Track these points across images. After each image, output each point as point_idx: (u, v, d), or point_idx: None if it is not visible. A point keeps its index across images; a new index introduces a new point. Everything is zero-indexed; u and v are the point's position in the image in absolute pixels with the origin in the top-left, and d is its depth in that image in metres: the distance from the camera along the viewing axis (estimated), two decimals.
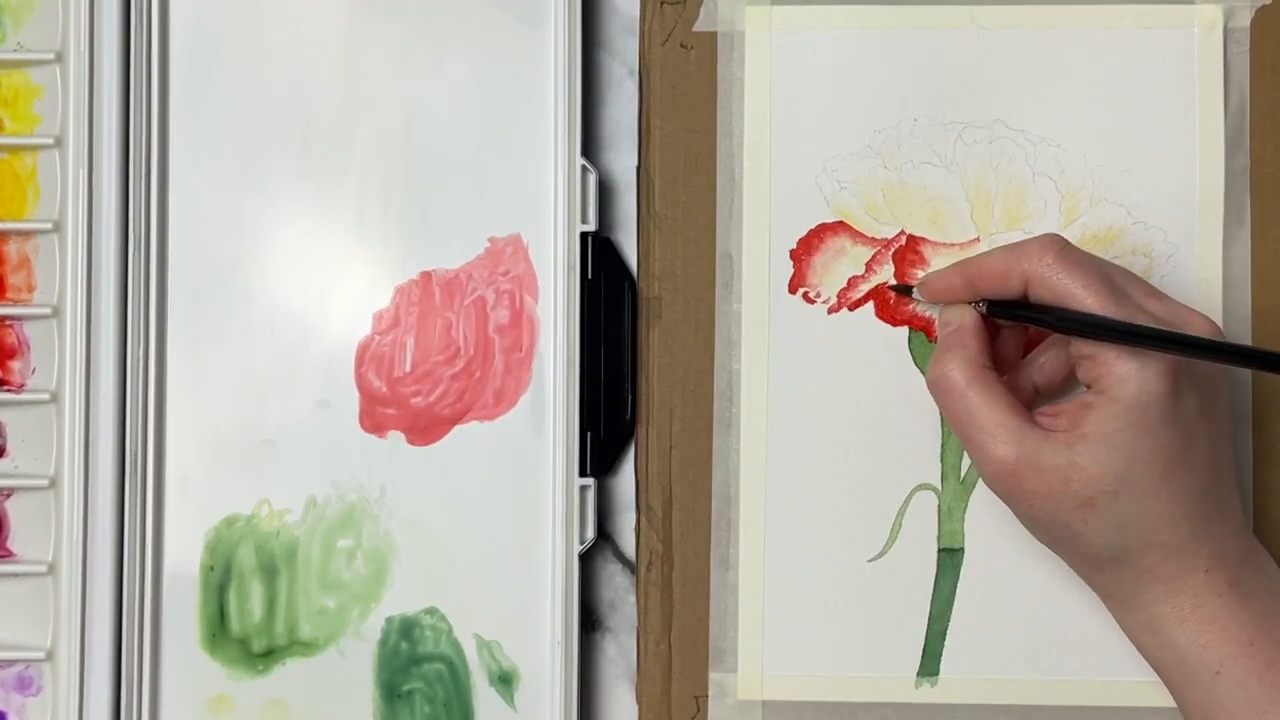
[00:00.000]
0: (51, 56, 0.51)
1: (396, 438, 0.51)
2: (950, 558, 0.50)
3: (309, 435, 0.51)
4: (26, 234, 0.51)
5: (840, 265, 0.50)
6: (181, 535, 0.51)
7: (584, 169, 0.50)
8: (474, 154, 0.51)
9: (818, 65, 0.50)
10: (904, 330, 0.50)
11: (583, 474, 0.50)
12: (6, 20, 0.51)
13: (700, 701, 0.50)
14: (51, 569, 0.51)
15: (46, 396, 0.51)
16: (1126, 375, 0.42)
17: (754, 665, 0.50)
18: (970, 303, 0.46)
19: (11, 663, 0.51)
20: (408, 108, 0.51)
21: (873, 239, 0.50)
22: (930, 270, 0.50)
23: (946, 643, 0.49)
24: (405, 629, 0.51)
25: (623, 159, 0.52)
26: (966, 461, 0.50)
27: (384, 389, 0.51)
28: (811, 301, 0.50)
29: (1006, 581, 0.50)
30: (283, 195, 0.51)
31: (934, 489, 0.50)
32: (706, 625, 0.50)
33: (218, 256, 0.51)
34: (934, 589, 0.50)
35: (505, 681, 0.51)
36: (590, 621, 0.52)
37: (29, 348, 0.51)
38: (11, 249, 0.51)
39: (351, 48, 0.51)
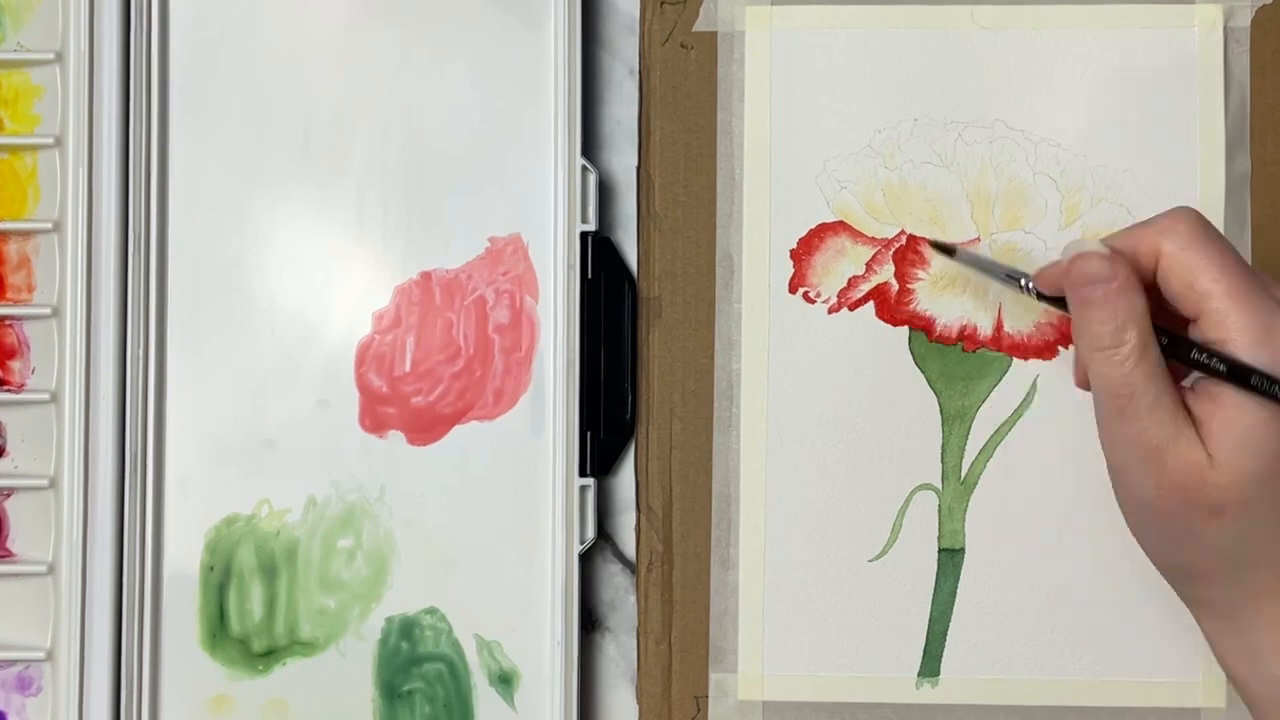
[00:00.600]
0: (51, 56, 0.51)
1: (396, 438, 0.51)
2: (951, 558, 0.50)
3: (309, 435, 0.51)
4: (26, 234, 0.51)
5: (840, 265, 0.50)
6: (181, 535, 0.51)
7: (584, 169, 0.50)
8: (474, 154, 0.51)
9: (818, 65, 0.50)
10: (904, 330, 0.50)
11: (583, 474, 0.50)
12: (6, 20, 0.51)
13: (701, 702, 0.50)
14: (51, 569, 0.51)
15: (46, 396, 0.51)
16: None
17: (754, 665, 0.50)
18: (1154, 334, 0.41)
19: (11, 663, 0.51)
20: (408, 108, 0.51)
21: (873, 239, 0.50)
22: (930, 270, 0.50)
23: (947, 643, 0.49)
24: (405, 629, 0.51)
25: (623, 159, 0.52)
26: (967, 461, 0.50)
27: (385, 388, 0.51)
28: (812, 301, 0.50)
29: (1007, 582, 0.49)
30: (283, 195, 0.51)
31: (934, 489, 0.50)
32: (707, 625, 0.50)
33: (218, 256, 0.51)
34: (934, 589, 0.50)
35: (505, 681, 0.51)
36: (590, 621, 0.52)
37: (29, 348, 0.51)
38: (11, 249, 0.51)
39: (351, 48, 0.51)
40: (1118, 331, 0.40)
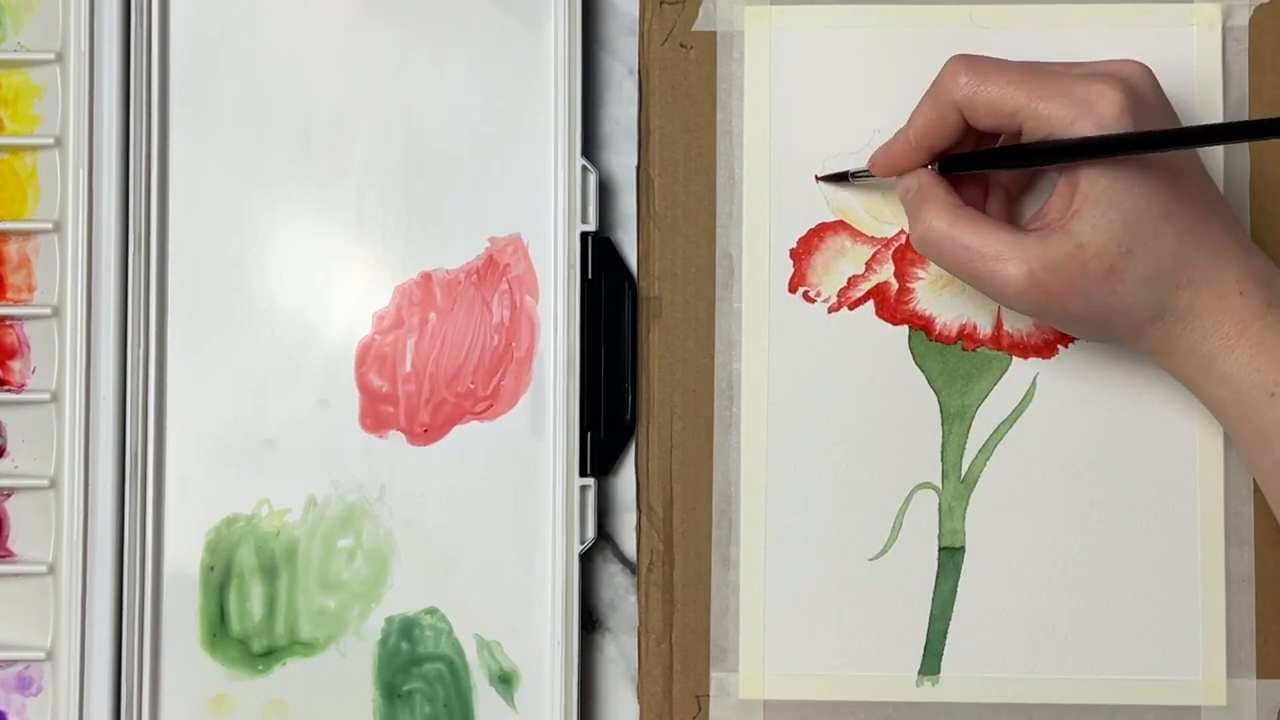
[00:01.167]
0: (51, 56, 0.51)
1: (397, 438, 0.51)
2: (951, 556, 0.50)
3: (309, 435, 0.51)
4: (26, 234, 0.51)
5: (840, 264, 0.50)
6: (181, 535, 0.51)
7: (584, 169, 0.50)
8: (474, 154, 0.51)
9: (818, 65, 0.50)
10: (904, 329, 0.50)
11: (583, 474, 0.50)
12: (6, 20, 0.52)
13: (702, 701, 0.50)
14: (51, 569, 0.51)
15: (46, 396, 0.51)
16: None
17: (755, 664, 0.50)
18: (923, 167, 0.46)
19: (11, 663, 0.51)
20: (408, 108, 0.51)
21: (873, 238, 0.50)
22: (930, 269, 0.50)
23: (948, 641, 0.49)
24: (405, 629, 0.51)
25: (623, 159, 0.52)
26: (967, 460, 0.50)
27: (385, 388, 0.51)
28: (811, 301, 0.50)
29: (1007, 580, 0.50)
30: (283, 195, 0.51)
31: (934, 488, 0.50)
32: (707, 624, 0.50)
33: (218, 256, 0.51)
34: (935, 588, 0.50)
35: (505, 681, 0.51)
36: (590, 621, 0.52)
37: (29, 348, 0.51)
38: (11, 249, 0.51)
39: (351, 48, 0.51)
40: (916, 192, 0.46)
